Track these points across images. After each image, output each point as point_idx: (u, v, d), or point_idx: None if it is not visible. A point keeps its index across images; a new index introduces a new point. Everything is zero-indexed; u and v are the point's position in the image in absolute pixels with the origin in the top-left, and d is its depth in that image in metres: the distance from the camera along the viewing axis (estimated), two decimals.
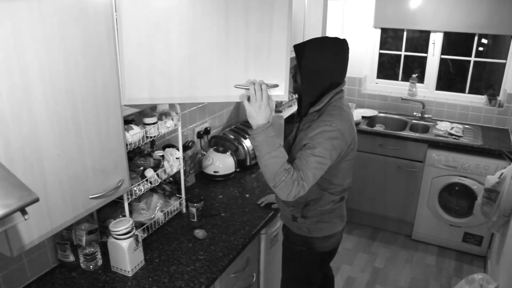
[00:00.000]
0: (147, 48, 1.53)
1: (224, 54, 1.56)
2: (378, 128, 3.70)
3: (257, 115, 1.54)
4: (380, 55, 4.03)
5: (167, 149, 2.05)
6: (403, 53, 3.94)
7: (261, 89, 1.53)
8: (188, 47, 1.54)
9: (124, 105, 1.55)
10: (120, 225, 1.66)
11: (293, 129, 1.88)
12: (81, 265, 1.74)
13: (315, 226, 1.86)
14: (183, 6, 1.50)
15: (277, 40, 1.57)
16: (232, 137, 2.65)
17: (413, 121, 3.74)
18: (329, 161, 1.61)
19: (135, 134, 1.68)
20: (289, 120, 2.96)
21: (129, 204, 1.83)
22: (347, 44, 1.71)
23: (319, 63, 1.66)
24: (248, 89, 1.55)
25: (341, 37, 1.72)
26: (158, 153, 1.97)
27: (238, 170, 2.59)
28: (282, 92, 1.61)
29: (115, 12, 1.42)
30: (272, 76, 1.60)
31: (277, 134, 1.61)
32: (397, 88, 4.00)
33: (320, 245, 1.90)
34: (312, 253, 1.92)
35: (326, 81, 1.69)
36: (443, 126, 3.45)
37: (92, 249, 1.73)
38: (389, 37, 4.00)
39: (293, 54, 1.73)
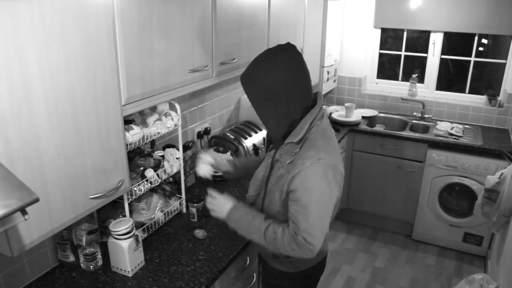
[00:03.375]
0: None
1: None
2: (378, 128, 3.70)
3: (218, 214, 1.62)
4: (380, 55, 4.03)
5: (167, 149, 2.05)
6: (403, 53, 3.94)
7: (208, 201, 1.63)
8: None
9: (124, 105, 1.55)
10: (120, 225, 1.66)
11: (264, 158, 1.62)
12: (81, 265, 1.74)
13: (301, 259, 1.58)
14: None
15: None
16: (232, 137, 2.65)
17: (413, 121, 3.74)
18: (332, 202, 1.44)
19: (135, 134, 1.68)
20: None
21: (129, 204, 1.83)
22: (297, 50, 1.42)
23: (273, 84, 1.35)
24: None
25: (284, 43, 1.43)
26: (158, 153, 1.97)
27: None
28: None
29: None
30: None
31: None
32: (397, 88, 4.00)
33: (308, 275, 1.69)
34: (299, 286, 1.72)
35: (291, 103, 1.39)
36: (443, 126, 3.45)
37: (92, 249, 1.73)
38: (389, 37, 4.00)
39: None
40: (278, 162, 1.50)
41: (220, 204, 1.61)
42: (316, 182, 1.38)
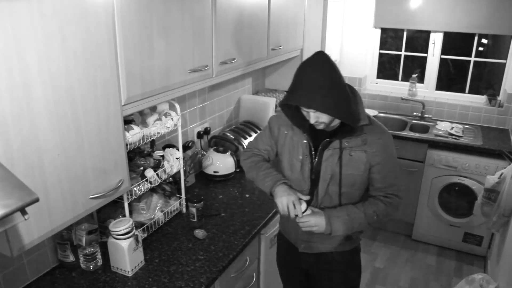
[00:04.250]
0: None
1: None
2: None
3: (321, 229, 1.62)
4: (380, 55, 4.03)
5: (167, 149, 2.05)
6: (403, 53, 3.94)
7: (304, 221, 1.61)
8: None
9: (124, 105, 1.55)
10: (120, 225, 1.66)
11: (322, 156, 1.63)
12: (81, 265, 1.74)
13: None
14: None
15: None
16: (232, 137, 2.65)
17: (413, 121, 3.74)
18: None
19: (135, 134, 1.68)
20: None
21: (129, 204, 1.83)
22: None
23: (332, 84, 1.47)
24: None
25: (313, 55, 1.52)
26: (158, 153, 1.97)
27: (238, 170, 2.59)
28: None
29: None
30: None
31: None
32: (397, 88, 4.00)
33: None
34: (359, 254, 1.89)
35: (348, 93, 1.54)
36: (443, 126, 3.45)
37: (92, 249, 1.73)
38: (389, 37, 4.00)
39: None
40: (345, 149, 1.60)
41: (316, 222, 1.61)
42: (393, 147, 1.66)
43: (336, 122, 1.58)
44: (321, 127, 1.56)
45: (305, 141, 1.66)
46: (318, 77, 1.45)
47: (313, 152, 1.65)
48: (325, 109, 1.46)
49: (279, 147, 1.77)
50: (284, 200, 1.62)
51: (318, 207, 1.66)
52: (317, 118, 1.51)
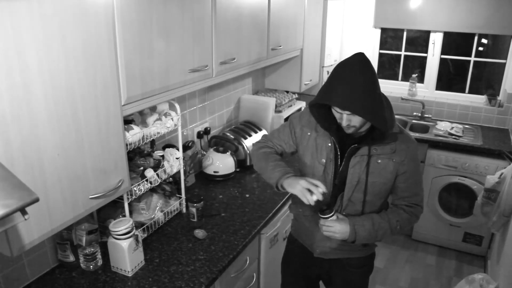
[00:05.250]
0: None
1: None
2: None
3: (344, 236, 1.58)
4: (380, 55, 4.03)
5: (167, 149, 2.05)
6: (403, 53, 3.93)
7: (327, 225, 1.58)
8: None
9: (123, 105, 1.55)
10: (120, 225, 1.66)
11: (349, 162, 1.58)
12: (81, 265, 1.74)
13: None
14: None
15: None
16: (232, 137, 2.65)
17: (413, 121, 3.74)
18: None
19: (135, 134, 1.68)
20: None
21: (129, 204, 1.83)
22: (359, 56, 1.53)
23: (372, 86, 1.47)
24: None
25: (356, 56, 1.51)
26: (158, 153, 1.97)
27: (238, 170, 2.59)
28: None
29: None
30: None
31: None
32: (397, 88, 4.00)
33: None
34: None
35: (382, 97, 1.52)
36: (443, 126, 3.45)
37: (92, 249, 1.73)
38: (389, 37, 4.00)
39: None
40: (373, 156, 1.56)
41: (340, 229, 1.57)
42: (418, 156, 1.64)
43: (365, 127, 1.53)
44: (350, 131, 1.50)
45: (329, 144, 1.59)
46: (357, 79, 1.40)
47: (338, 157, 1.60)
48: (363, 112, 1.40)
49: (301, 149, 1.70)
50: (299, 187, 1.48)
51: (340, 214, 1.62)
52: (349, 121, 1.46)
